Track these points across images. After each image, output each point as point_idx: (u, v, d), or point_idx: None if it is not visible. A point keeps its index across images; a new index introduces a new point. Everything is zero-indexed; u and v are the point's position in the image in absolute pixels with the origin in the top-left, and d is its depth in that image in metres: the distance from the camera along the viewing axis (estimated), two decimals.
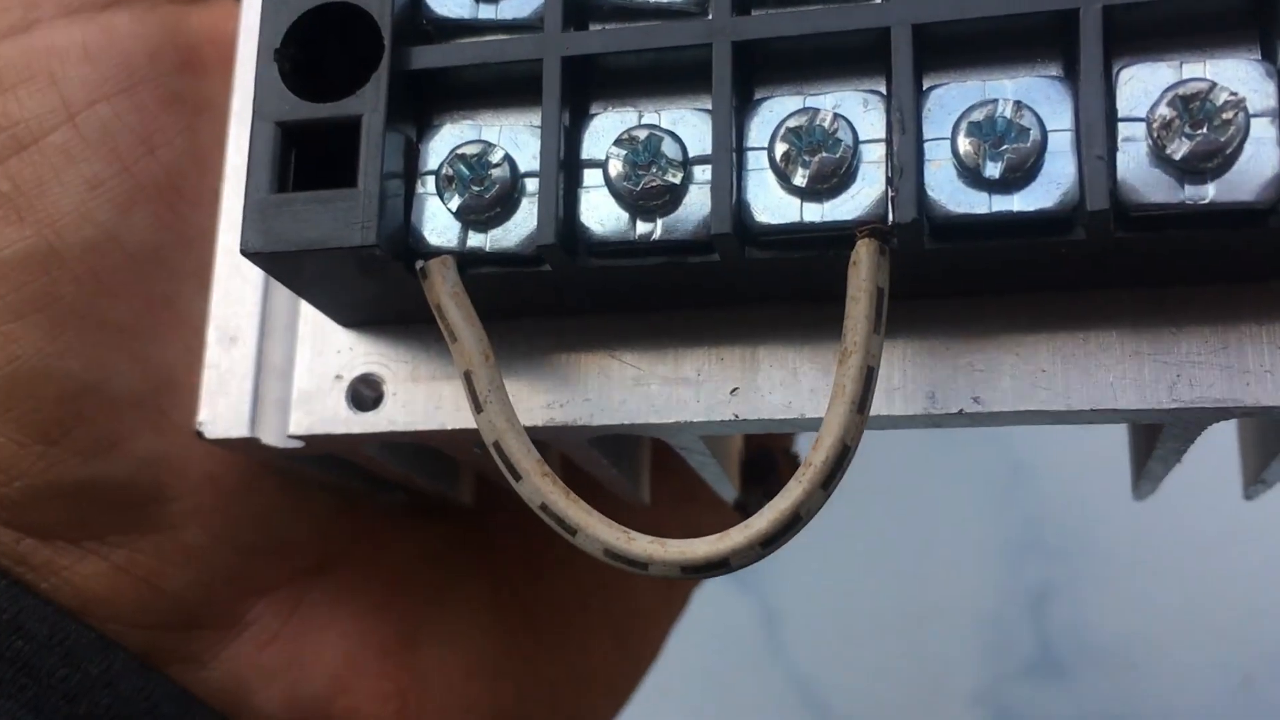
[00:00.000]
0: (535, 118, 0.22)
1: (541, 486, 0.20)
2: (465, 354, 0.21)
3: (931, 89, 0.20)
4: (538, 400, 0.23)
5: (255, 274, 0.25)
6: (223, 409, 0.25)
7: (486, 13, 0.22)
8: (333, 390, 0.24)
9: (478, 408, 0.21)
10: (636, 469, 0.29)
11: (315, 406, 0.24)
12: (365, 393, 0.24)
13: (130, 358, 0.26)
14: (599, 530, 0.20)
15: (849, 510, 0.40)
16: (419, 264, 0.21)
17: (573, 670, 0.31)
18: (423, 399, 0.24)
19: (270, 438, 0.25)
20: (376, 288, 0.23)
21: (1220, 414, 0.21)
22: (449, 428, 0.24)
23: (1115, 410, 0.21)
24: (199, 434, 0.25)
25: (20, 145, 0.25)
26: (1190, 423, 0.22)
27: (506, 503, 0.30)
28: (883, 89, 0.21)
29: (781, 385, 0.23)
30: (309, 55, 0.22)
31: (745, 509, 0.33)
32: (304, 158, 0.22)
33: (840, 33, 0.21)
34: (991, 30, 0.20)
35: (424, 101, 0.23)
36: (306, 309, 0.25)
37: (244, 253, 0.21)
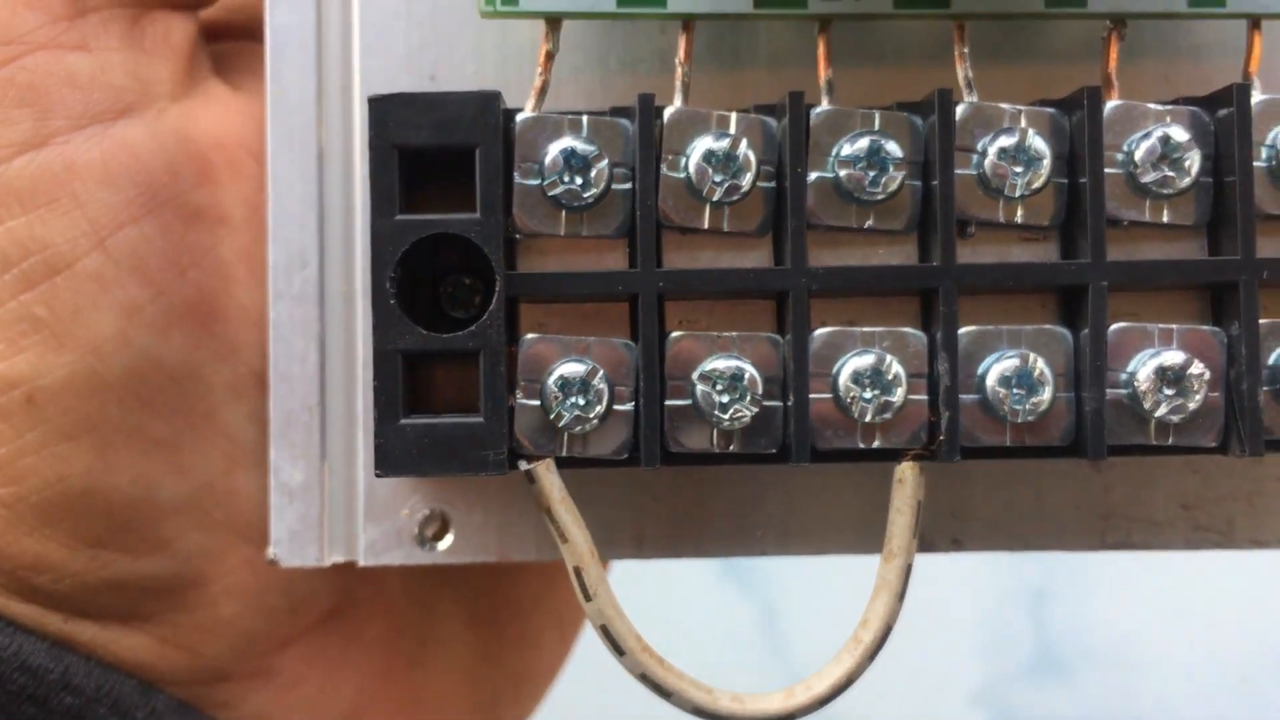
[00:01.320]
0: (617, 327, 0.25)
1: (642, 660, 0.25)
2: (576, 553, 0.24)
3: (963, 332, 0.25)
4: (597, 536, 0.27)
5: (312, 413, 0.27)
6: (293, 541, 0.27)
7: (571, 229, 0.25)
8: (400, 526, 0.27)
9: (587, 598, 0.25)
10: None
11: (385, 542, 0.27)
12: (431, 528, 0.27)
13: (174, 470, 0.27)
14: (691, 693, 0.25)
15: None
16: (524, 467, 0.24)
17: (530, 665, 0.36)
18: (486, 534, 0.27)
19: (338, 557, 0.27)
20: None
21: (1134, 550, 0.28)
22: (511, 559, 0.27)
23: (1059, 549, 0.28)
24: (272, 562, 0.27)
25: (53, 270, 0.26)
26: None
27: None
28: (920, 324, 0.25)
29: (805, 527, 0.27)
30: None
31: None
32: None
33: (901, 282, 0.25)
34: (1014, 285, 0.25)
35: (515, 309, 0.25)
36: (364, 446, 0.27)
37: (379, 474, 0.24)
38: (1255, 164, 0.25)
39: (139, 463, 0.27)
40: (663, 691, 0.25)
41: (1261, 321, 0.25)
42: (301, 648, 0.30)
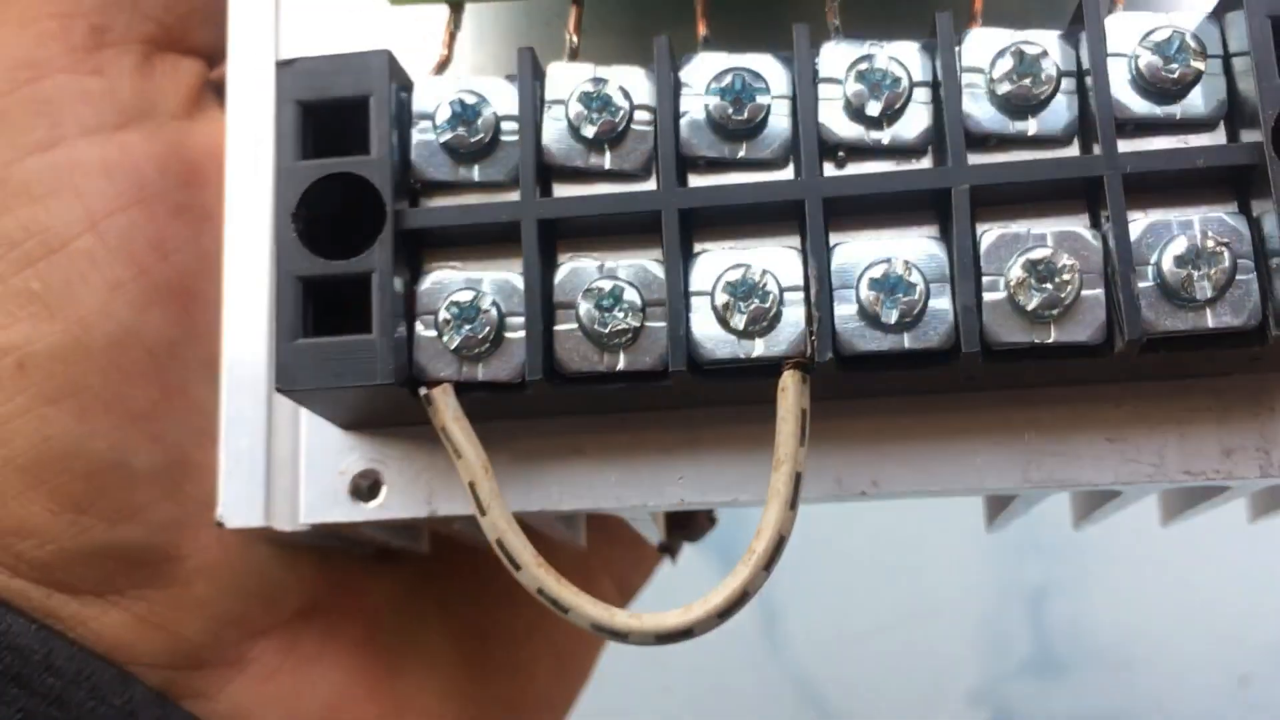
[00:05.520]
0: (512, 264, 0.26)
1: (538, 575, 0.25)
2: (469, 469, 0.26)
3: (838, 246, 0.26)
4: (517, 489, 0.28)
5: (260, 386, 0.29)
6: (239, 502, 0.29)
7: (465, 175, 0.27)
8: (337, 484, 0.29)
9: (481, 512, 0.26)
10: (577, 523, 0.34)
11: (323, 500, 0.29)
12: (365, 486, 0.29)
13: (149, 439, 0.30)
14: (588, 609, 0.25)
15: (847, 509, 0.42)
16: (422, 392, 0.26)
17: (522, 693, 0.36)
18: (415, 490, 0.28)
19: (282, 524, 0.29)
20: (379, 405, 0.27)
21: (1063, 488, 0.27)
22: (440, 514, 0.28)
23: (983, 489, 0.27)
24: (219, 524, 0.29)
25: (49, 250, 0.29)
26: (1037, 496, 0.28)
27: (458, 549, 0.34)
28: (798, 244, 0.26)
29: (720, 473, 0.28)
30: (319, 208, 0.26)
31: (669, 550, 0.39)
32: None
33: (766, 203, 0.26)
34: (884, 200, 0.26)
35: (418, 250, 0.27)
36: (306, 413, 0.29)
37: (279, 390, 0.25)
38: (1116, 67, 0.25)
39: (116, 429, 0.29)
40: (560, 607, 0.25)
41: (1135, 218, 0.25)
42: (277, 639, 0.32)
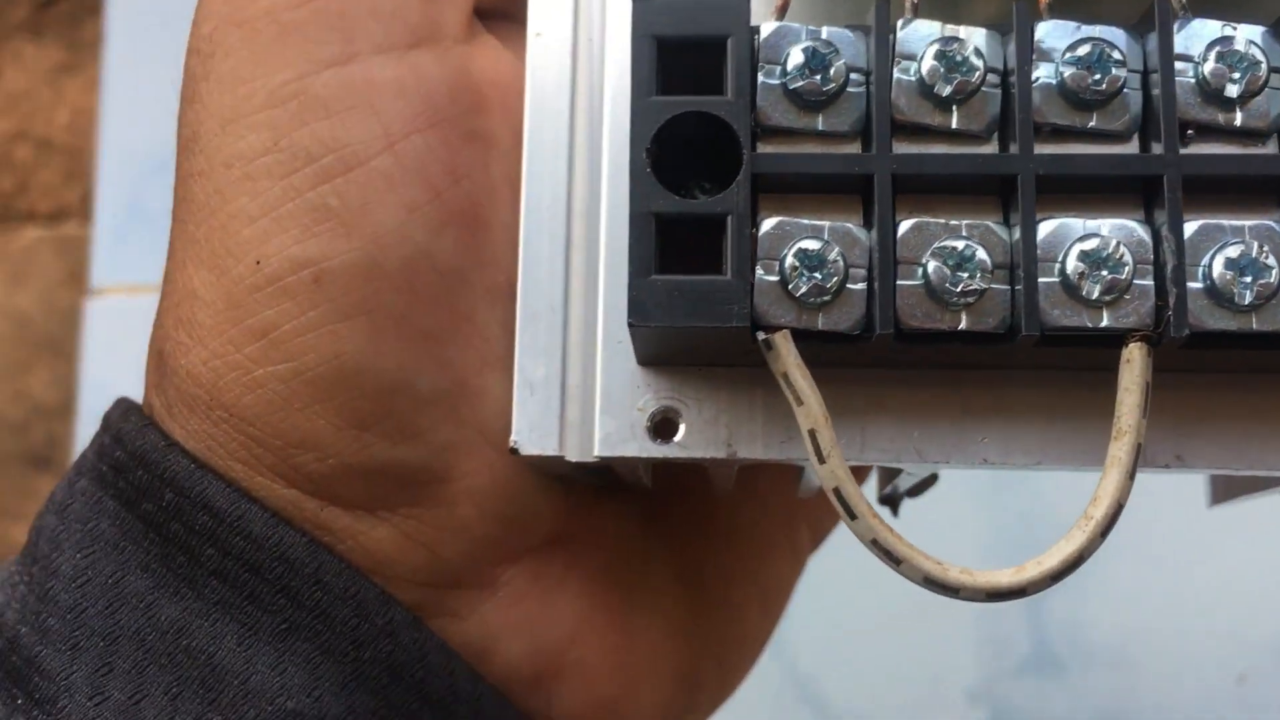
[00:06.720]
0: (851, 214, 0.27)
1: (874, 525, 0.26)
2: (811, 415, 0.26)
3: (1190, 221, 0.26)
4: None
5: (555, 317, 0.29)
6: (534, 431, 0.29)
7: (808, 123, 0.27)
8: (635, 421, 0.29)
9: (821, 460, 0.26)
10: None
11: (619, 434, 0.29)
12: (663, 425, 0.29)
13: (435, 361, 0.29)
14: (921, 562, 0.25)
15: None
16: (762, 337, 0.26)
17: (734, 632, 0.36)
18: (714, 431, 0.28)
19: (572, 455, 0.29)
20: (703, 344, 0.27)
21: None
22: (739, 456, 0.28)
23: None
24: (513, 450, 0.29)
25: (347, 167, 0.29)
26: None
27: (678, 488, 0.35)
28: (1140, 215, 0.26)
29: (1025, 435, 0.28)
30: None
31: (892, 503, 0.39)
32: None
33: (1110, 175, 0.26)
34: (1234, 181, 0.26)
35: (756, 195, 0.27)
36: (602, 346, 0.29)
37: (631, 325, 0.25)
38: None
39: (405, 350, 0.29)
40: (893, 559, 0.26)
41: None
42: (526, 565, 0.32)
